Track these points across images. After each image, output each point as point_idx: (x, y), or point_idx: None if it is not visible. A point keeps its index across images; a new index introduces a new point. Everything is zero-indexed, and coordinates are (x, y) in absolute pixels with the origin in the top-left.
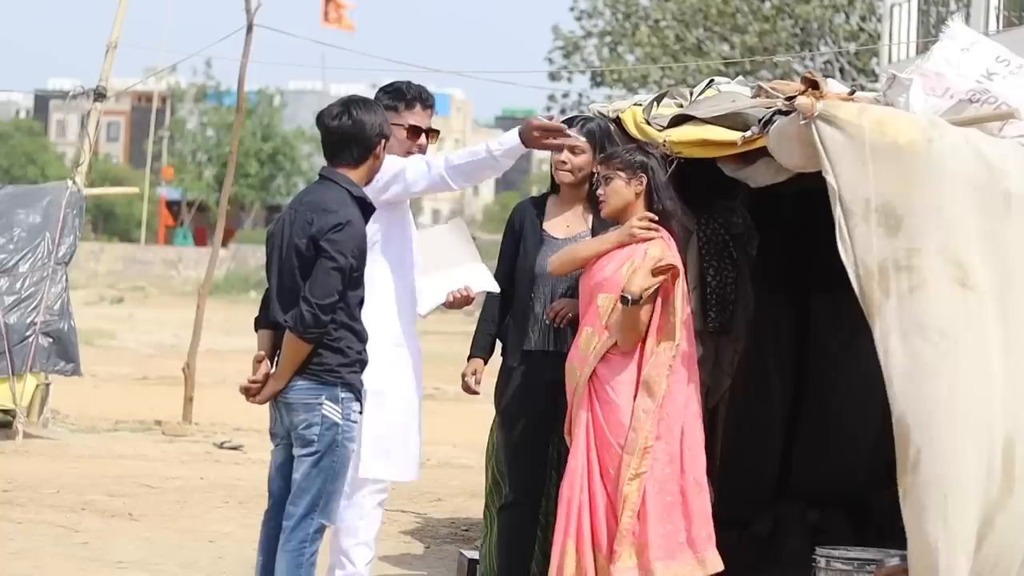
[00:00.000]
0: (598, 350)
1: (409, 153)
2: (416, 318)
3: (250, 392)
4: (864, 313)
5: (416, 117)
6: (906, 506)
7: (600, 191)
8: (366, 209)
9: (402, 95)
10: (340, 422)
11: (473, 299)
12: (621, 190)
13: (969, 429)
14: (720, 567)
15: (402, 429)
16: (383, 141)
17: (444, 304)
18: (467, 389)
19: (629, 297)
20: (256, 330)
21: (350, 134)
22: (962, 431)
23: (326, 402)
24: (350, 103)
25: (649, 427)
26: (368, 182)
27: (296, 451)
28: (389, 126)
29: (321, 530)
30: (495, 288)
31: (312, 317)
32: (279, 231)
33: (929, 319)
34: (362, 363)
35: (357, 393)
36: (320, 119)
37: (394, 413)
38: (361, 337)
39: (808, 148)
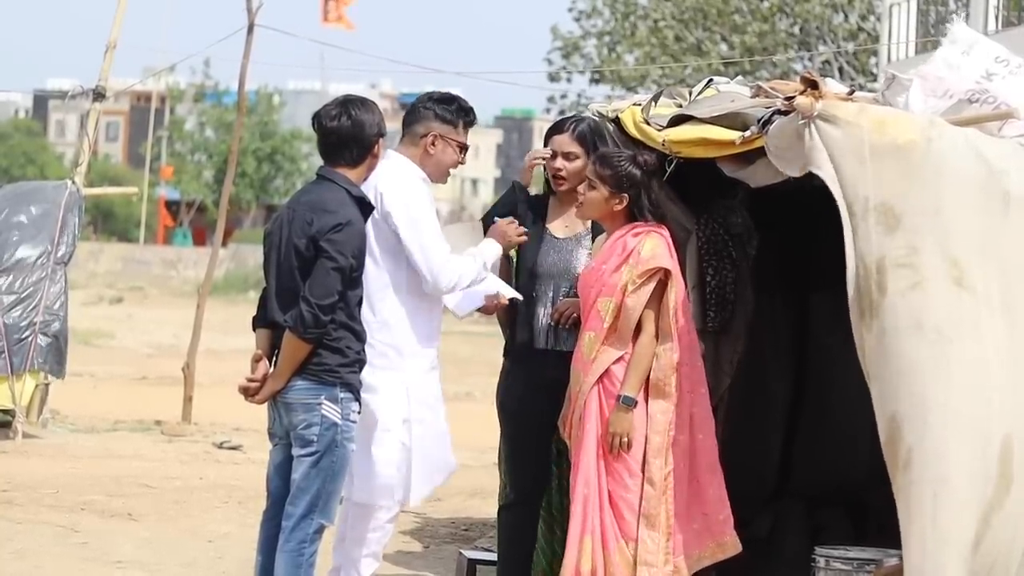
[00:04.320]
0: (602, 360)
1: (454, 166)
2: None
3: (249, 392)
4: (851, 311)
5: (467, 136)
6: (899, 505)
7: (581, 189)
8: (365, 209)
9: (465, 114)
10: (339, 422)
11: (505, 304)
12: (599, 203)
13: (962, 428)
14: (739, 549)
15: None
16: (380, 140)
17: (479, 309)
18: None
19: (632, 398)
20: (254, 329)
21: (350, 134)
22: (954, 430)
23: (325, 402)
24: (348, 103)
25: (668, 427)
26: (365, 180)
27: (295, 451)
28: (385, 125)
29: (320, 530)
30: (518, 296)
31: (312, 317)
32: (277, 230)
33: (926, 317)
34: (360, 363)
35: (356, 393)
36: (318, 120)
37: (434, 434)
38: (360, 337)
39: (806, 147)
